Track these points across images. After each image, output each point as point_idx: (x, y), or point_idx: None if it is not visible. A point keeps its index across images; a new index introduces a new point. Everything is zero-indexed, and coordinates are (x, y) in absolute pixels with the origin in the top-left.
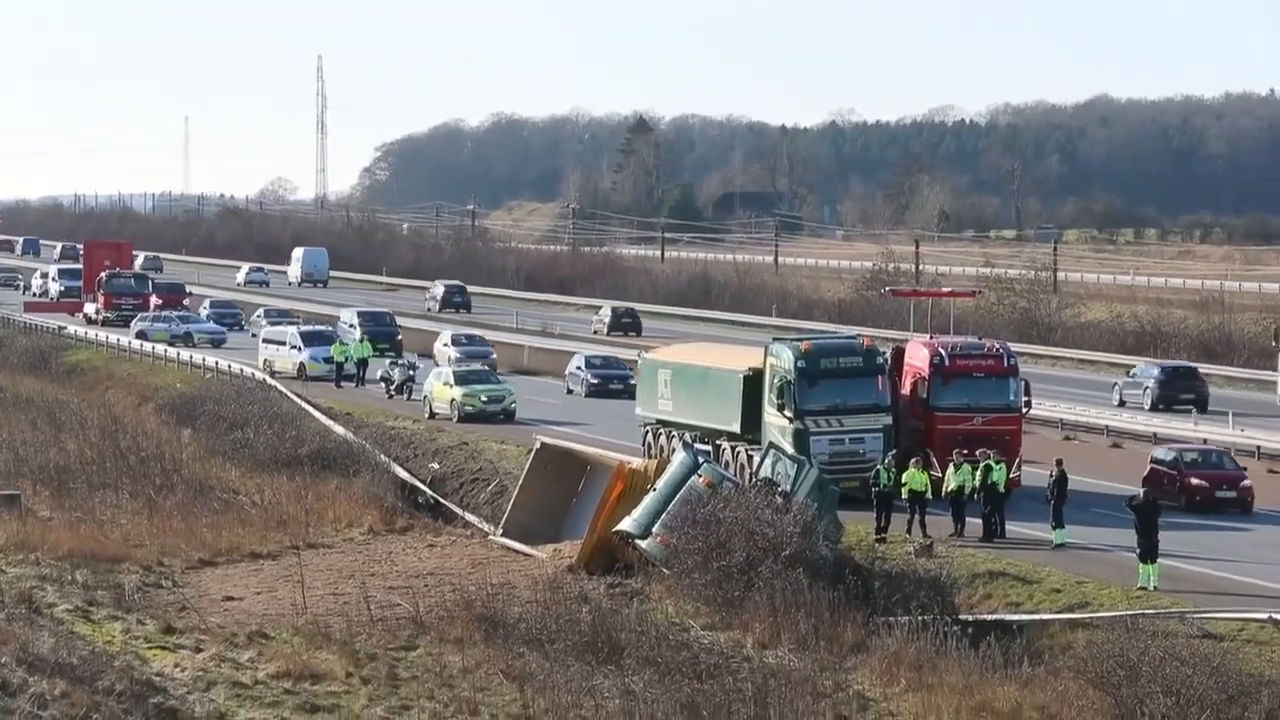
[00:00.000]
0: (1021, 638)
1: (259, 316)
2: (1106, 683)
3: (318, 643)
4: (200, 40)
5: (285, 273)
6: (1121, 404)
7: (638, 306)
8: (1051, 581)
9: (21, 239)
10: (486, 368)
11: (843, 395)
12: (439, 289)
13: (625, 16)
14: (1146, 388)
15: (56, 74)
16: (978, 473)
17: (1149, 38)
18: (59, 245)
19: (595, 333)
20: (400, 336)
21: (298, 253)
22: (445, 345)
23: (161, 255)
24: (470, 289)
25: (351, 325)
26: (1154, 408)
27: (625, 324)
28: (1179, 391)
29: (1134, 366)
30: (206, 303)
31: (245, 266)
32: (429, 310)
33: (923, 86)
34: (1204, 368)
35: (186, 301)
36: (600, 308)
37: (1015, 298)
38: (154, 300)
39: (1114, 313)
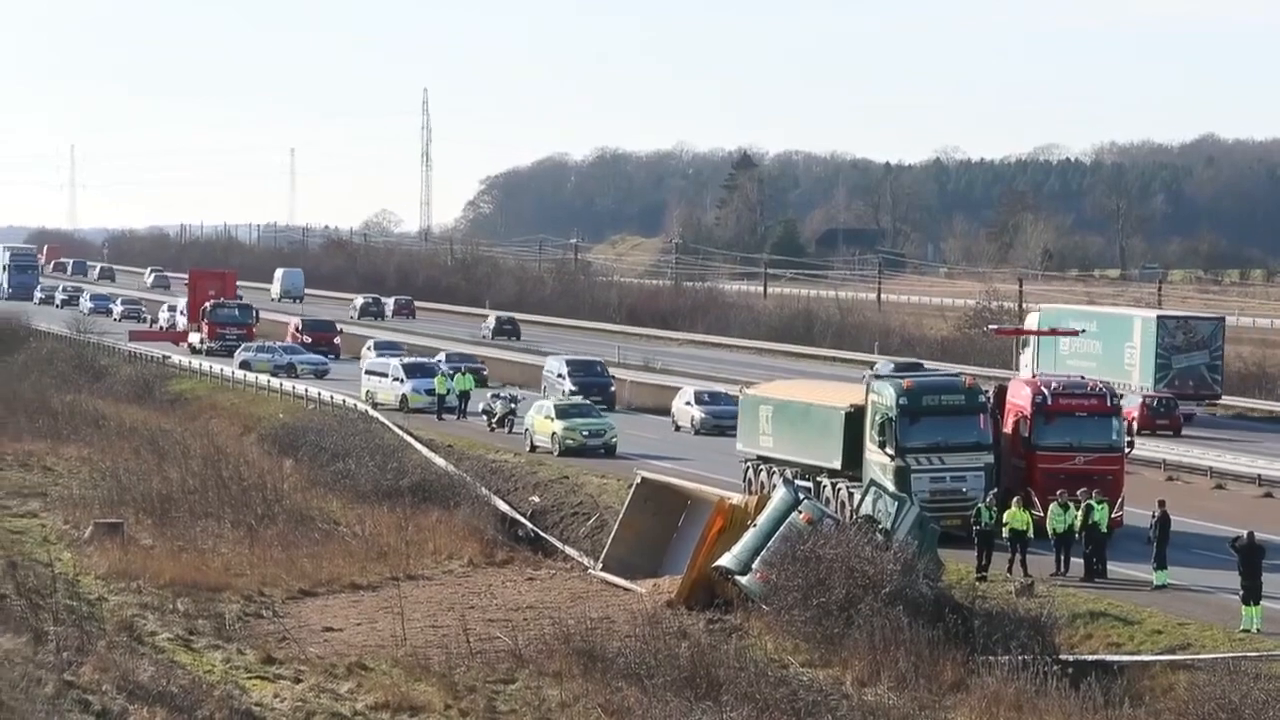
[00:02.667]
0: (1122, 679)
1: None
2: None
3: (417, 675)
4: (307, 72)
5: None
6: None
7: (737, 342)
8: (1153, 622)
9: (151, 272)
10: (591, 402)
11: (944, 433)
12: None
13: (730, 52)
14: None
15: (164, 104)
16: (1080, 512)
17: (1256, 78)
18: (149, 272)
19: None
20: (614, 388)
21: (278, 273)
22: (559, 376)
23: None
24: (573, 322)
25: (560, 375)
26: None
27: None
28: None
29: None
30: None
31: (359, 299)
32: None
33: (1027, 124)
34: None
35: (337, 340)
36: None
37: None
38: (304, 338)
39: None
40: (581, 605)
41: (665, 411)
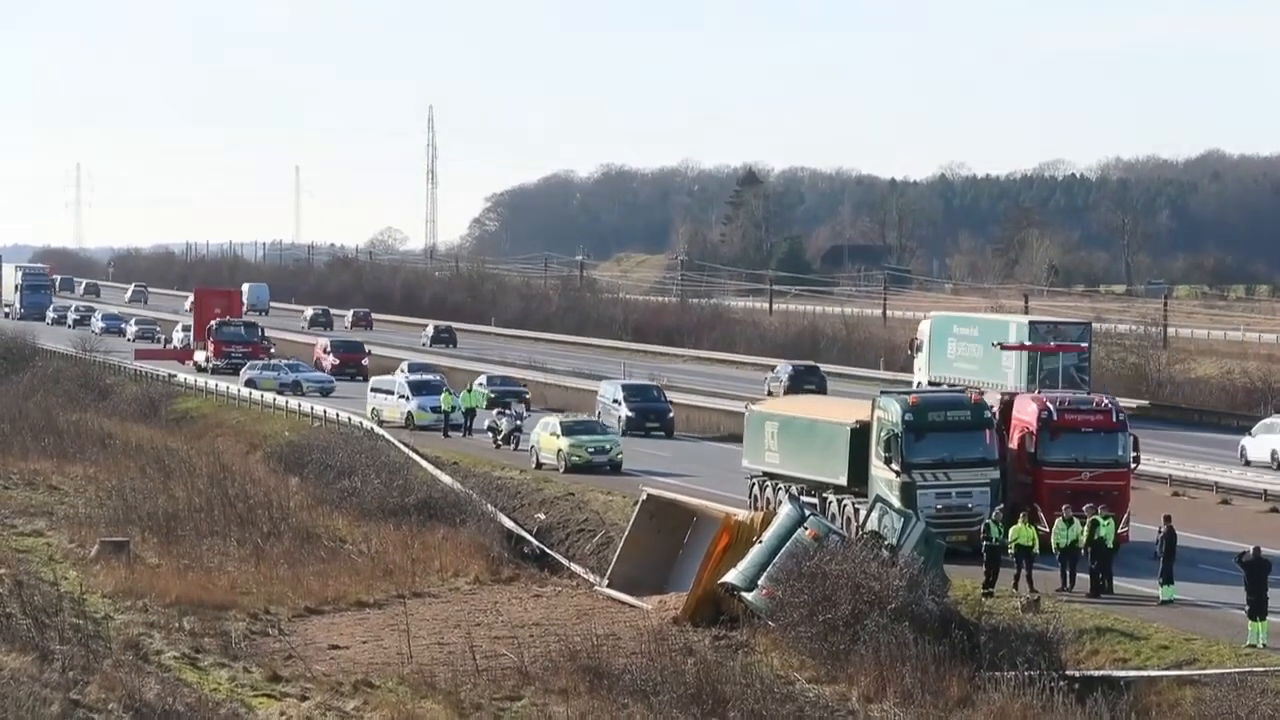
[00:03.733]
0: (1129, 694)
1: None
2: None
3: (423, 692)
4: (312, 90)
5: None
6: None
7: (743, 359)
8: (1159, 638)
9: (133, 287)
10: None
11: (950, 449)
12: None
13: (736, 69)
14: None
15: (169, 123)
16: (1086, 528)
17: (1262, 93)
18: (129, 288)
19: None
20: (672, 414)
21: (245, 287)
22: (615, 401)
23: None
24: (579, 339)
25: (616, 400)
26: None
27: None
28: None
29: (776, 365)
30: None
31: (309, 310)
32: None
33: (1033, 141)
34: None
35: (365, 361)
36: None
37: (1125, 353)
38: (331, 360)
39: (1224, 369)
40: (587, 622)
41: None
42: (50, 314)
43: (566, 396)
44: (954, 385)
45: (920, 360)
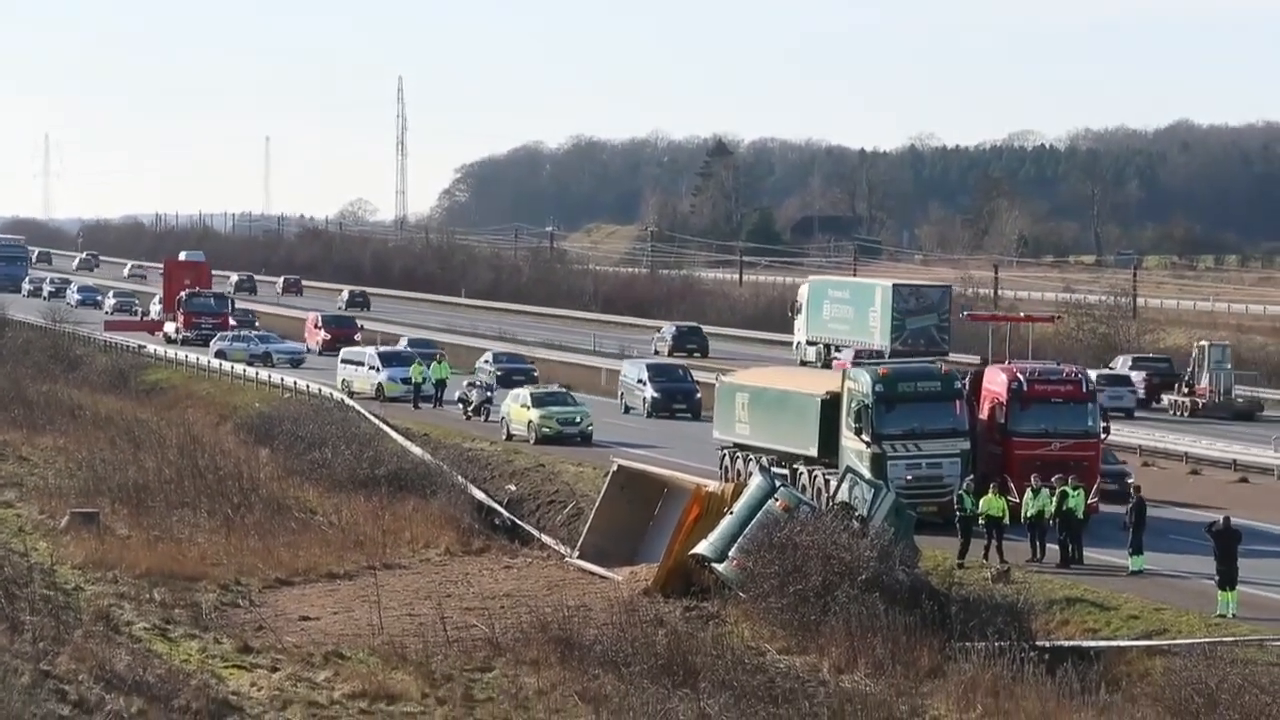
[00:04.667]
0: (1099, 664)
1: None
2: (1184, 710)
3: (393, 663)
4: (281, 61)
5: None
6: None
7: (714, 329)
8: (1129, 608)
9: (131, 265)
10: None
11: (920, 420)
12: (345, 294)
13: (705, 39)
14: (665, 341)
15: (138, 94)
16: (1054, 498)
17: (1230, 64)
18: (128, 264)
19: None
20: (699, 395)
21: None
22: (639, 382)
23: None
24: (549, 311)
25: (641, 381)
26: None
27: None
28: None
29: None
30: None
31: (234, 276)
32: (339, 309)
33: (1002, 111)
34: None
35: (358, 337)
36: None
37: (1094, 323)
38: (322, 335)
39: (1193, 338)
40: (558, 593)
41: None
42: (26, 285)
43: (570, 374)
44: (829, 344)
45: (800, 321)
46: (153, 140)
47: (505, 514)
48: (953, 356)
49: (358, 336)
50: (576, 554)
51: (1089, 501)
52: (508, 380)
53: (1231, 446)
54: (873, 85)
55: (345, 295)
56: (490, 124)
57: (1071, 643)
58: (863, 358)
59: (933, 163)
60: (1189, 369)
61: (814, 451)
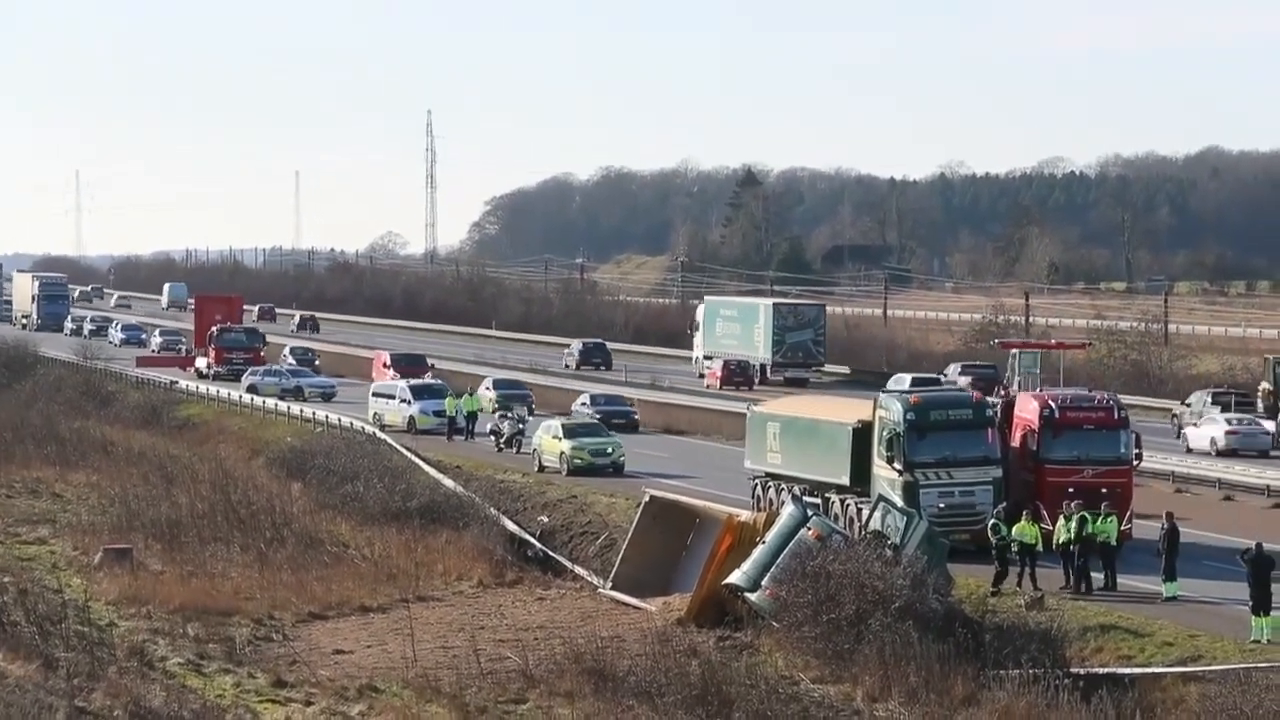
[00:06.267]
0: (1134, 691)
1: (583, 403)
2: None
3: (427, 696)
4: (311, 96)
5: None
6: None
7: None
8: (1164, 634)
9: (116, 295)
10: (598, 421)
11: (952, 448)
12: (296, 317)
13: (734, 69)
14: (573, 356)
15: (168, 129)
16: (1074, 525)
17: (1261, 90)
18: (164, 298)
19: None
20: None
21: (166, 286)
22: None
23: (279, 309)
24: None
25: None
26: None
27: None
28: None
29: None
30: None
31: (297, 314)
32: (291, 332)
33: (1032, 139)
34: None
35: (429, 376)
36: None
37: (1126, 350)
38: (391, 374)
39: (1225, 365)
40: (592, 624)
41: (673, 430)
42: (68, 324)
43: (567, 400)
44: (726, 359)
45: (697, 339)
46: (183, 175)
47: (538, 545)
48: (827, 368)
49: (428, 376)
50: (610, 585)
51: (1122, 528)
52: (503, 405)
53: (1265, 472)
54: (902, 114)
55: (296, 319)
56: (520, 156)
57: (1106, 670)
58: (732, 367)
59: (963, 191)
60: (1006, 374)
61: (846, 480)
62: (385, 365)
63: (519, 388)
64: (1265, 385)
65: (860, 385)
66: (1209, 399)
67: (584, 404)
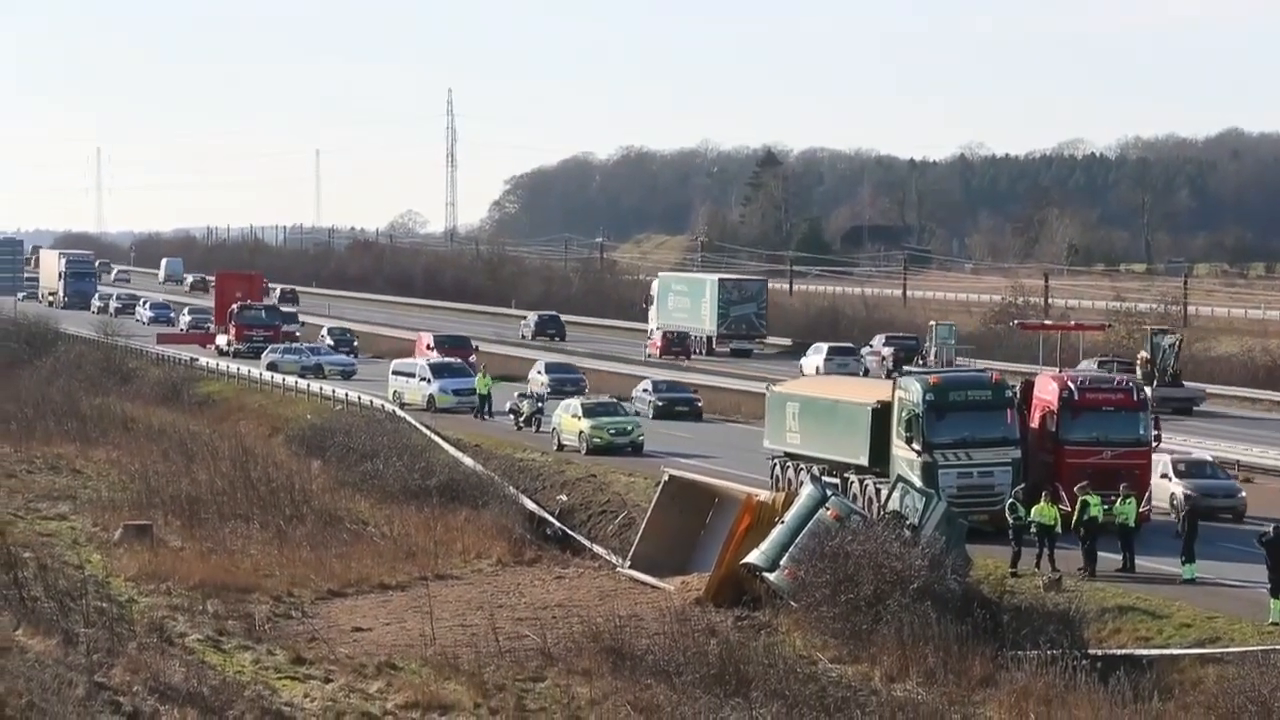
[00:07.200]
0: (1151, 673)
1: (538, 371)
2: (1238, 719)
3: (446, 674)
4: (331, 74)
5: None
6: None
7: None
8: (1182, 616)
9: (115, 270)
10: (615, 400)
11: (971, 428)
12: (277, 290)
13: (754, 49)
14: (530, 327)
15: (189, 107)
16: (1076, 508)
17: None
18: (189, 278)
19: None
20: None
21: (163, 261)
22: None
23: (299, 289)
24: (598, 321)
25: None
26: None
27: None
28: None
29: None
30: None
31: (278, 288)
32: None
33: (1052, 120)
34: None
35: (474, 359)
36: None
37: (1145, 331)
38: (434, 354)
39: (1245, 346)
40: (610, 603)
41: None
42: (95, 302)
43: (622, 384)
44: (665, 330)
45: (651, 312)
46: (204, 154)
47: (557, 524)
48: (769, 339)
49: (473, 358)
50: (628, 564)
51: (1140, 510)
52: (559, 392)
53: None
54: (922, 94)
55: (277, 292)
56: (540, 135)
57: (1124, 651)
58: (670, 337)
59: (982, 172)
60: (924, 344)
61: (865, 460)
62: (429, 347)
63: (572, 371)
64: (1143, 354)
65: (800, 355)
66: (1094, 367)
67: (539, 372)
